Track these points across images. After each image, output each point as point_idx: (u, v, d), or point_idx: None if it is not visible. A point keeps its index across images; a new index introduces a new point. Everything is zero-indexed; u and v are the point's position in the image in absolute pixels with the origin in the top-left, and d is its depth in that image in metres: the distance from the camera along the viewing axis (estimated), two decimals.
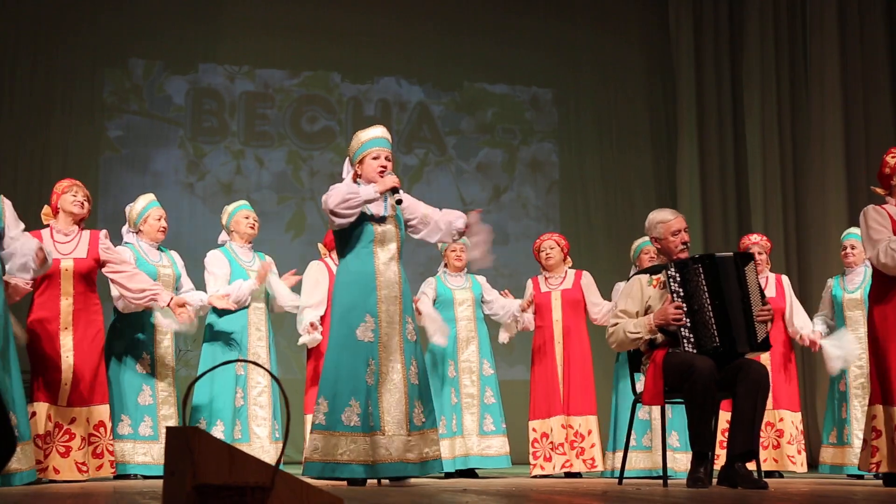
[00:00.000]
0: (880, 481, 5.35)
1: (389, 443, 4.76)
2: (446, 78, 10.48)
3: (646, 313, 4.91)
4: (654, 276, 4.98)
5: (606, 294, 7.13)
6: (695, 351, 4.73)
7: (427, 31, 10.34)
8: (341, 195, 4.80)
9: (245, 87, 10.05)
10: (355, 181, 5.01)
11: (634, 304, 4.95)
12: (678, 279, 4.80)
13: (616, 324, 4.95)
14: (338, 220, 4.85)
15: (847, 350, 6.62)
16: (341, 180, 5.08)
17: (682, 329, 4.75)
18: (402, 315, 4.94)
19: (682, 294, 4.78)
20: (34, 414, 5.29)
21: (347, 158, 5.11)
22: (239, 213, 6.33)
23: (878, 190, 5.26)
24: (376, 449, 4.72)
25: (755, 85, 10.36)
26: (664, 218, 5.08)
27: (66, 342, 5.45)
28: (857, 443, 6.44)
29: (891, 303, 5.05)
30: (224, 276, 6.14)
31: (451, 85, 10.52)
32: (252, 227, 6.32)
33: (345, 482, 4.75)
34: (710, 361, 4.67)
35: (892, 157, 5.19)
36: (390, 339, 4.86)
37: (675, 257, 4.94)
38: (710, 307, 4.74)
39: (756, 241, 7.05)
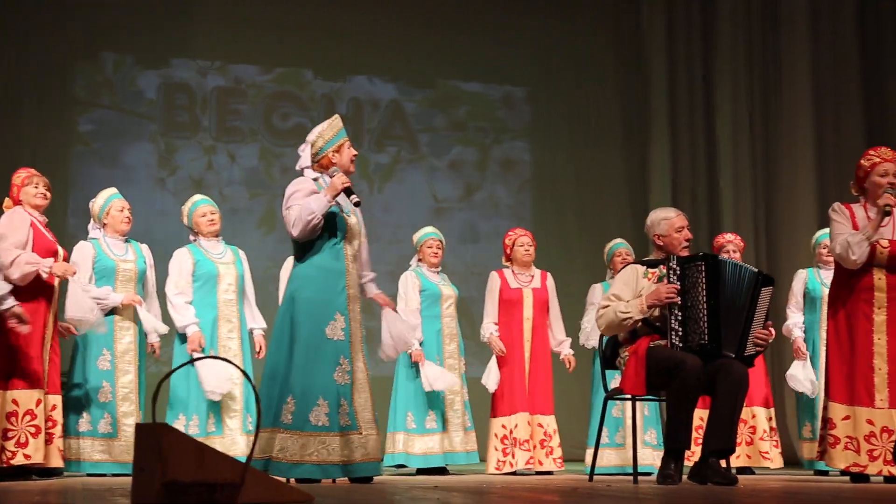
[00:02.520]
0: (847, 478, 5.42)
1: (366, 441, 4.73)
2: (419, 75, 10.47)
3: None
4: (650, 270, 5.01)
5: (582, 291, 7.16)
6: (681, 345, 4.76)
7: (400, 29, 10.32)
8: (302, 222, 4.71)
9: (217, 83, 10.00)
10: (329, 167, 4.94)
11: (628, 292, 4.98)
12: (678, 272, 4.83)
13: (606, 306, 4.98)
14: (306, 239, 4.79)
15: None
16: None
17: (672, 321, 4.78)
18: (360, 313, 4.92)
19: (678, 288, 4.82)
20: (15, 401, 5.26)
21: (311, 145, 4.97)
22: (196, 214, 6.25)
23: (853, 190, 5.38)
24: (353, 448, 4.68)
25: (726, 84, 10.42)
26: (667, 215, 5.13)
27: (49, 328, 5.46)
28: None
29: (842, 304, 5.23)
30: (186, 272, 6.09)
31: (424, 82, 10.50)
32: (212, 224, 6.22)
33: (313, 483, 4.71)
34: (699, 360, 4.70)
35: (867, 160, 5.29)
36: (356, 337, 4.83)
37: (678, 254, 4.97)
38: (704, 305, 4.77)
39: (730, 240, 7.11)
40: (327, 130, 4.94)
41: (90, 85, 9.64)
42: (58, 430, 5.48)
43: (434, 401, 6.54)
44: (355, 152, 5.00)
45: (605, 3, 10.96)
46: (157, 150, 9.75)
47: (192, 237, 6.30)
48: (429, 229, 6.96)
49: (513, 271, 6.83)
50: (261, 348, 6.19)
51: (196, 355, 5.89)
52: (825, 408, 5.26)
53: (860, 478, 5.18)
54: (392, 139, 10.36)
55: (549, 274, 6.92)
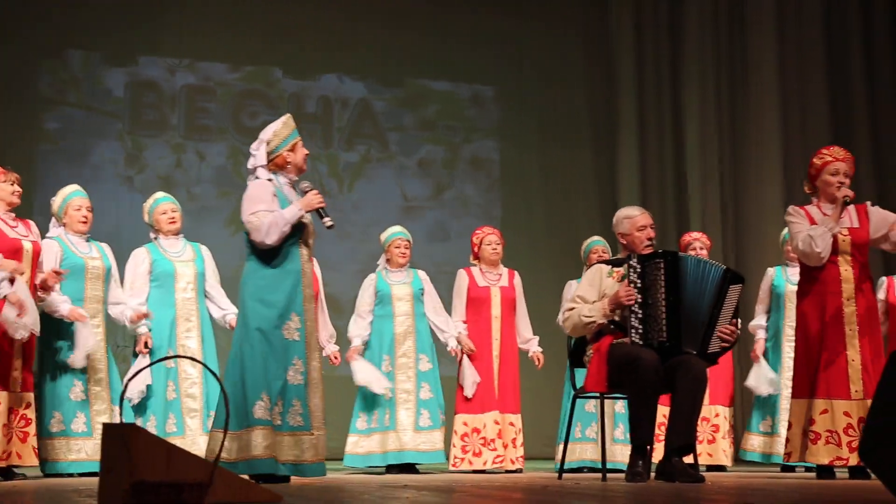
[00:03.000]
0: (813, 473, 5.48)
1: (318, 442, 4.76)
2: (388, 74, 10.46)
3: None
4: (615, 269, 5.04)
5: (551, 290, 7.19)
6: (641, 343, 4.80)
7: (369, 27, 10.30)
8: (278, 231, 4.72)
9: (185, 81, 9.95)
10: (284, 166, 4.93)
11: (592, 292, 5.02)
12: (638, 271, 4.87)
13: (572, 308, 5.02)
14: (273, 245, 4.80)
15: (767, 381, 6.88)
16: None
17: (633, 319, 4.82)
18: (317, 313, 4.95)
19: (639, 286, 4.86)
20: None
21: (266, 143, 4.94)
22: (157, 211, 6.20)
23: (806, 188, 5.47)
24: (303, 448, 4.70)
25: (694, 85, 10.49)
26: (630, 214, 5.18)
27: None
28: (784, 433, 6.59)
29: (810, 299, 5.28)
30: (142, 273, 6.06)
31: (394, 81, 10.49)
32: (173, 222, 6.19)
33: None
34: (656, 355, 4.75)
35: (819, 159, 5.39)
36: (311, 337, 4.84)
37: (640, 252, 5.01)
38: (664, 302, 4.81)
39: (696, 238, 7.17)
40: (282, 129, 4.95)
41: (56, 83, 9.57)
42: (32, 429, 5.42)
43: (384, 400, 6.55)
44: (307, 151, 5.03)
45: (574, 3, 10.99)
46: (125, 149, 9.69)
47: (152, 235, 6.25)
48: (396, 229, 6.96)
49: (480, 269, 6.85)
50: None
51: (146, 357, 5.88)
52: (802, 407, 5.26)
53: (826, 473, 5.24)
54: (361, 138, 10.35)
55: (516, 272, 6.94)
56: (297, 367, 4.74)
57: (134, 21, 9.65)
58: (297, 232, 4.84)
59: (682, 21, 10.65)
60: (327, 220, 4.85)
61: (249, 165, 4.99)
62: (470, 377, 6.62)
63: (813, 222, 5.25)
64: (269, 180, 4.88)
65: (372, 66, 10.35)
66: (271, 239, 4.73)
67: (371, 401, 6.57)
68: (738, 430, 7.20)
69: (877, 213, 5.31)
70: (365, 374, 6.50)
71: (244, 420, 4.65)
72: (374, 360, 6.64)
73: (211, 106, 9.98)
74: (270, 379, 4.68)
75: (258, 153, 4.94)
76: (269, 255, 4.81)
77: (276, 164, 4.92)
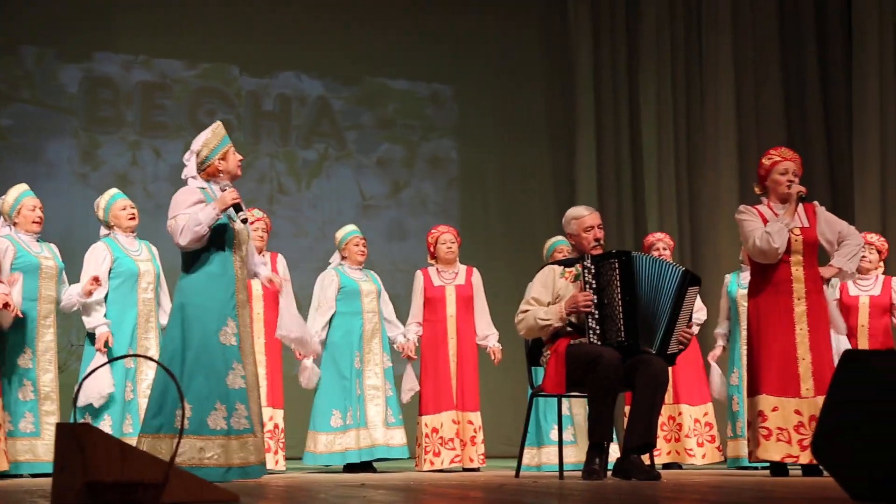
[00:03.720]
0: (767, 471, 5.53)
1: (261, 444, 4.77)
2: (346, 72, 10.43)
3: (555, 304, 4.99)
4: (567, 269, 5.05)
5: (508, 289, 7.19)
6: (599, 343, 4.82)
7: (327, 25, 10.27)
8: (190, 232, 4.72)
9: (141, 77, 9.86)
10: (216, 175, 4.92)
11: (546, 294, 5.03)
12: (593, 272, 4.89)
13: (527, 310, 5.02)
14: (193, 249, 4.80)
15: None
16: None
17: (590, 320, 4.84)
18: (250, 316, 4.97)
19: (594, 286, 4.87)
20: None
21: (196, 154, 4.95)
22: (115, 207, 6.11)
23: (756, 189, 5.54)
24: (249, 451, 4.71)
25: (651, 85, 10.56)
26: (577, 214, 5.19)
27: None
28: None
29: (761, 298, 5.34)
30: (105, 271, 5.98)
31: (352, 79, 10.47)
32: (132, 218, 6.11)
33: None
34: (617, 353, 4.77)
35: (767, 159, 5.46)
36: (245, 342, 4.85)
37: (590, 253, 5.01)
38: (620, 302, 4.83)
39: (660, 239, 7.23)
40: (212, 139, 4.95)
41: (9, 79, 9.44)
42: (1, 434, 5.35)
43: (355, 398, 6.54)
44: (241, 157, 5.04)
45: (533, 3, 11.03)
46: (80, 146, 9.59)
47: (104, 231, 6.16)
48: (352, 227, 6.94)
49: (437, 269, 6.86)
50: None
51: (103, 355, 5.81)
52: (754, 404, 5.32)
53: (780, 471, 5.30)
54: (319, 136, 10.31)
55: (475, 270, 6.94)
56: (237, 371, 4.76)
57: (89, 17, 9.55)
58: (225, 237, 4.82)
59: (639, 22, 10.72)
60: (241, 215, 4.85)
61: (182, 176, 5.00)
62: (408, 383, 6.65)
63: (765, 221, 5.32)
64: (203, 189, 4.89)
65: (330, 63, 10.32)
66: (184, 241, 4.75)
67: (341, 399, 6.55)
68: (723, 432, 7.19)
69: (824, 216, 5.42)
70: (313, 377, 6.53)
71: (170, 426, 4.68)
72: (345, 357, 6.60)
73: (167, 103, 9.89)
74: (204, 386, 4.67)
75: (189, 164, 4.98)
76: (201, 262, 4.82)
77: (208, 174, 4.95)
